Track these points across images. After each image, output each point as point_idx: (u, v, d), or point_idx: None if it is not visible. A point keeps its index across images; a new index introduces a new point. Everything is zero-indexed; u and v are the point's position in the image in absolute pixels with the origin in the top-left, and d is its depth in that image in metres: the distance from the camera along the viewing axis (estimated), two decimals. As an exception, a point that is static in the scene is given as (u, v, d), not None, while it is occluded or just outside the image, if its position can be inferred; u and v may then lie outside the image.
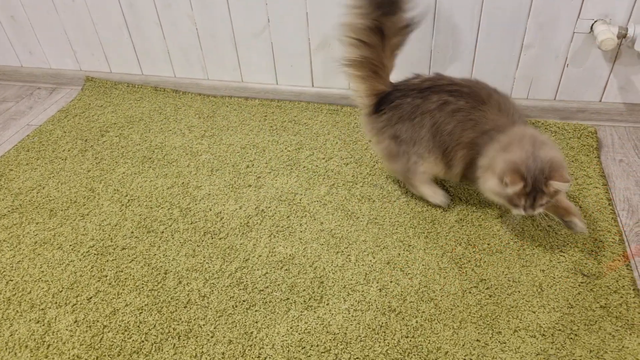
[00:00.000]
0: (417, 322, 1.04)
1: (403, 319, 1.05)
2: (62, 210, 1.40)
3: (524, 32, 1.50)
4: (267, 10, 1.67)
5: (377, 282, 1.14)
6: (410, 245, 1.22)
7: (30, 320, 1.09)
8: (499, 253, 1.18)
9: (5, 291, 1.17)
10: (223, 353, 1.01)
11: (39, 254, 1.26)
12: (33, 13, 1.91)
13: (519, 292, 1.08)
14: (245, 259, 1.22)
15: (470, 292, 1.09)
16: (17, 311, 1.12)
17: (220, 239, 1.29)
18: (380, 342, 1.01)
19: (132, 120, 1.80)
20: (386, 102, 1.25)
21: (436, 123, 1.18)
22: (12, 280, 1.20)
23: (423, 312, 1.06)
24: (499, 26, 1.51)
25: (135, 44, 1.90)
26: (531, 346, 0.98)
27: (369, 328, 1.04)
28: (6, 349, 1.04)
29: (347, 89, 1.78)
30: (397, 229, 1.27)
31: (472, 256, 1.18)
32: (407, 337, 1.01)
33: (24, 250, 1.28)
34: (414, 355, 0.98)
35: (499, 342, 0.99)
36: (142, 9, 1.78)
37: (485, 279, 1.12)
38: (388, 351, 0.99)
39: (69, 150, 1.66)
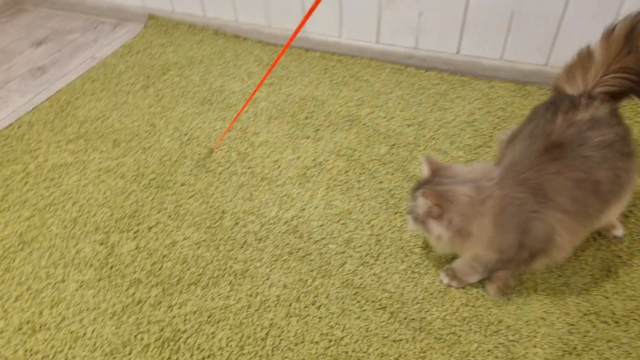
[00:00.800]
0: (478, 292, 1.01)
1: (464, 287, 1.02)
2: (125, 142, 1.42)
3: (620, 2, 1.39)
4: (342, -43, 1.60)
5: (437, 246, 1.11)
6: (472, 214, 1.18)
7: (94, 242, 1.13)
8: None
9: (72, 211, 1.20)
10: (278, 296, 1.02)
11: (103, 181, 1.29)
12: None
13: (591, 275, 1.03)
14: (301, 209, 1.21)
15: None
16: (82, 231, 1.15)
17: (277, 186, 1.28)
18: (438, 306, 0.99)
19: (193, 61, 1.79)
20: (557, 102, 0.98)
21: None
22: (77, 202, 1.23)
23: (484, 281, 1.03)
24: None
25: (202, -17, 1.86)
26: (602, 332, 0.94)
27: (427, 292, 1.02)
28: (72, 265, 1.08)
29: (414, 48, 1.71)
30: (459, 195, 1.23)
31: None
32: (467, 305, 0.99)
33: (89, 175, 1.31)
34: (474, 324, 0.96)
35: (566, 323, 0.96)
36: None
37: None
38: (446, 317, 0.97)
39: (131, 85, 1.67)
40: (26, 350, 0.92)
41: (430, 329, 0.95)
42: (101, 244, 1.12)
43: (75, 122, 1.50)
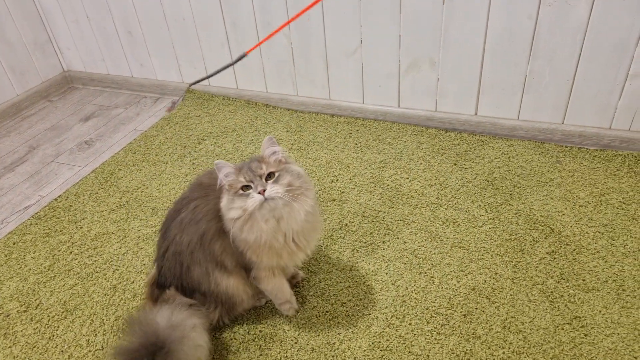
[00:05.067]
0: (504, 353, 1.01)
1: (489, 348, 1.02)
2: (162, 210, 1.52)
3: (630, 61, 1.43)
4: (360, 32, 1.73)
5: (462, 308, 1.12)
6: (497, 273, 1.19)
7: (132, 308, 1.19)
8: (596, 291, 1.12)
9: (112, 279, 1.28)
10: (306, 360, 1.04)
11: (141, 248, 1.38)
12: (147, 29, 2.10)
13: (618, 334, 1.02)
14: (328, 271, 1.25)
15: (562, 329, 1.04)
16: (121, 298, 1.22)
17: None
18: (464, 368, 0.99)
19: (226, 130, 1.92)
20: None
21: None
22: (117, 270, 1.31)
23: (510, 343, 1.03)
24: (602, 54, 1.45)
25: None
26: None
27: (453, 353, 1.02)
28: (111, 332, 1.14)
29: (434, 111, 1.79)
30: (483, 255, 1.25)
31: (565, 291, 1.13)
32: (493, 367, 0.99)
33: (128, 243, 1.40)
34: (501, 386, 0.95)
35: None
36: (243, 27, 1.91)
37: (579, 317, 1.07)
38: (473, 379, 0.97)
39: (169, 155, 1.79)
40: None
41: (458, 394, 0.95)
42: (138, 310, 1.18)
43: (118, 192, 1.62)
